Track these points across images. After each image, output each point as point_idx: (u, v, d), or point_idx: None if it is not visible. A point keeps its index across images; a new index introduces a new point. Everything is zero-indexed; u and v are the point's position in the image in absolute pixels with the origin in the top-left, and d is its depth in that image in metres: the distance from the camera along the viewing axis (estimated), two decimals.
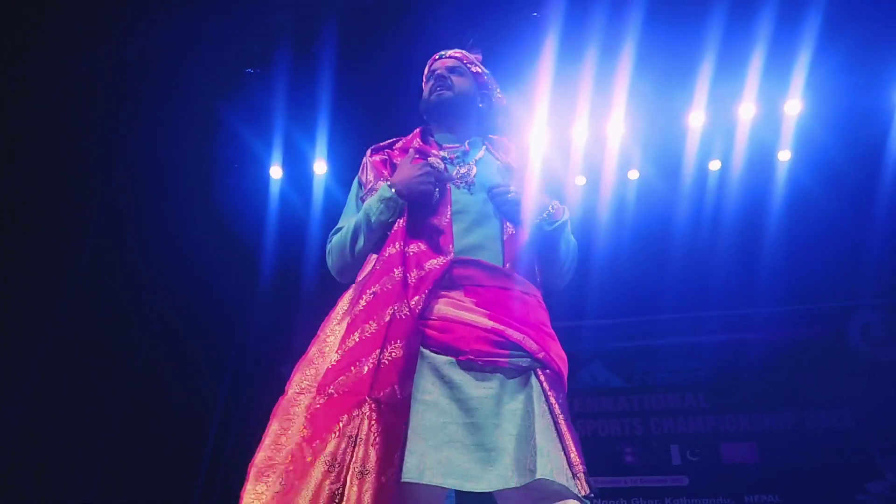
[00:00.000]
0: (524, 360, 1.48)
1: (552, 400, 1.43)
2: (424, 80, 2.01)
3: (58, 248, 4.40)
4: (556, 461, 1.33)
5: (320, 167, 4.92)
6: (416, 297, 1.50)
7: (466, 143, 1.88)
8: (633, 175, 4.83)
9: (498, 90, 2.03)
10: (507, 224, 1.69)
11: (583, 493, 1.32)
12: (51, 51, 3.92)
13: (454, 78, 1.91)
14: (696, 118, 4.33)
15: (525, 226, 1.67)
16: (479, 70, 1.98)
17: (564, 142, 4.59)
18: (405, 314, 1.46)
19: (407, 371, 1.40)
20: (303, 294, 5.74)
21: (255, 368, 5.95)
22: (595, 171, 4.78)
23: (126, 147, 4.51)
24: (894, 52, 3.94)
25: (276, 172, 4.98)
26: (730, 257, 5.12)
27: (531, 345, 1.49)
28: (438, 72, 1.92)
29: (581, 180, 4.89)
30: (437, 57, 2.00)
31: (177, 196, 4.88)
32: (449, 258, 1.59)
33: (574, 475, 1.33)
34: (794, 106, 4.25)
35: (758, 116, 4.35)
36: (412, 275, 1.55)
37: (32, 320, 4.27)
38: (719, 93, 4.16)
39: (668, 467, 4.90)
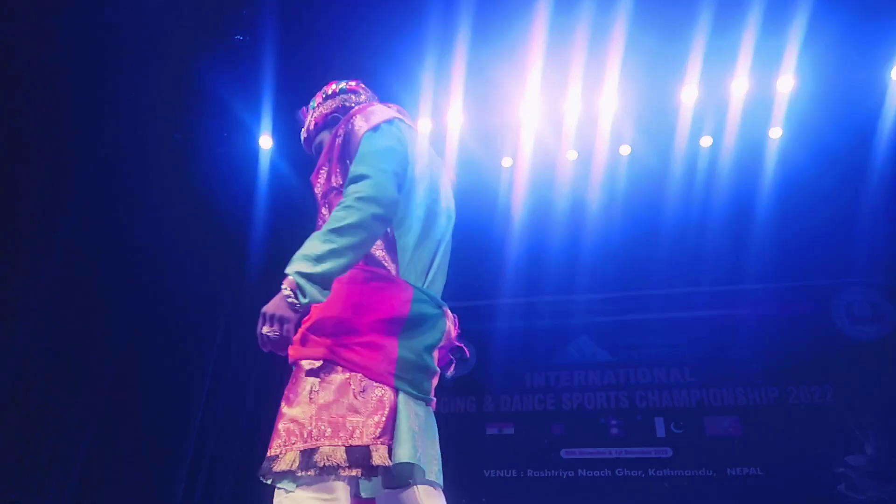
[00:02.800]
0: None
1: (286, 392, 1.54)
2: None
3: (36, 228, 4.32)
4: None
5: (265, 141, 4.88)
6: None
7: None
8: (625, 150, 4.81)
9: (340, 92, 2.00)
10: None
11: (261, 477, 1.45)
12: (19, 15, 3.82)
13: (315, 146, 1.97)
14: (689, 94, 4.30)
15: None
16: (319, 114, 1.97)
17: (556, 116, 4.57)
18: None
19: None
20: None
21: (240, 360, 5.74)
22: (587, 146, 4.76)
23: (102, 118, 4.44)
24: (887, 28, 3.91)
25: (265, 143, 4.93)
26: (719, 234, 5.13)
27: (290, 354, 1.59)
28: (312, 154, 1.99)
29: (573, 155, 4.88)
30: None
31: (156, 170, 4.79)
32: None
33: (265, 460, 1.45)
34: (786, 82, 4.23)
35: (750, 93, 4.33)
36: None
37: (8, 308, 4.20)
38: (712, 68, 4.14)
39: (652, 439, 4.98)
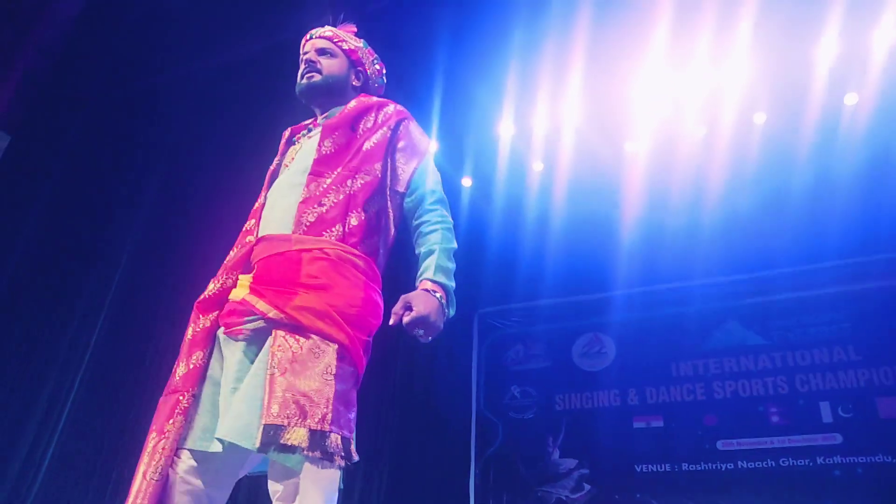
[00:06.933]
0: (259, 322, 1.51)
1: (272, 355, 1.43)
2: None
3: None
4: (239, 419, 1.38)
5: None
6: (210, 286, 1.66)
7: (316, 120, 1.90)
8: (760, 118, 4.53)
9: (376, 61, 2.00)
10: (307, 188, 1.67)
11: (257, 445, 1.33)
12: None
13: (323, 60, 1.88)
14: (828, 48, 4.00)
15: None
16: (352, 46, 1.93)
17: (681, 92, 4.39)
18: (198, 301, 1.66)
19: (189, 349, 1.59)
20: None
21: None
22: (716, 120, 4.53)
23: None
24: None
25: None
26: (866, 200, 4.74)
27: (262, 306, 1.50)
28: (308, 56, 1.89)
29: (701, 131, 4.66)
30: (307, 38, 1.94)
31: None
32: (251, 242, 1.69)
33: (263, 427, 1.34)
34: None
35: None
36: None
37: None
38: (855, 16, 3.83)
39: (818, 425, 4.61)
